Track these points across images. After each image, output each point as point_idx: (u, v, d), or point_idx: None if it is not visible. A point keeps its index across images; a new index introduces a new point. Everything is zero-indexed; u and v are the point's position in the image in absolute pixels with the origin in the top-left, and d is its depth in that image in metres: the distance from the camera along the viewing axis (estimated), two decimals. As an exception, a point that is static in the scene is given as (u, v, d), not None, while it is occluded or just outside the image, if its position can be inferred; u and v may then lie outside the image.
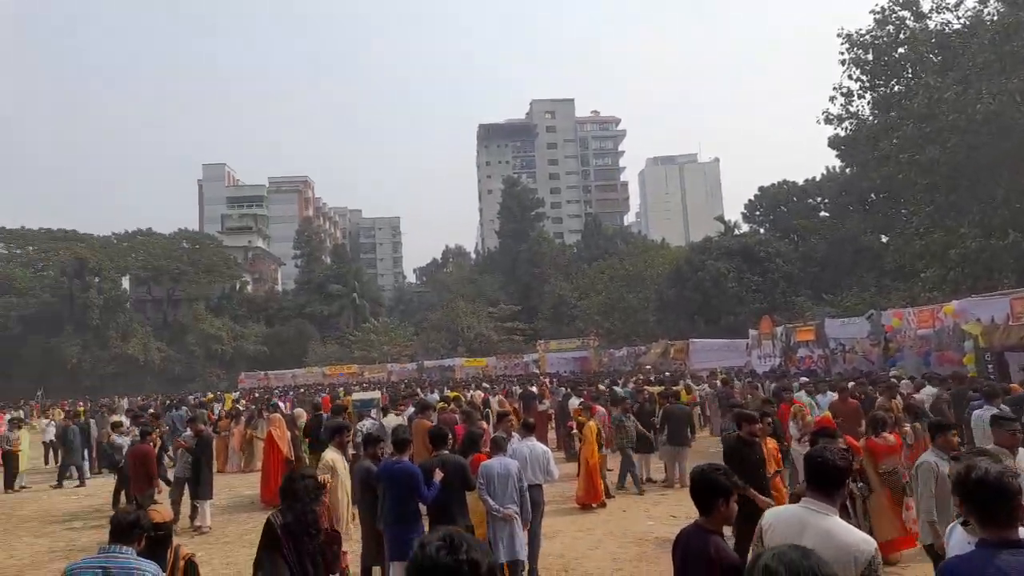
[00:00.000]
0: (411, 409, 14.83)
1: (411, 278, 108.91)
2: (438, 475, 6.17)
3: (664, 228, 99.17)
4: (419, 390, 22.95)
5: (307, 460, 12.49)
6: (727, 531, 3.66)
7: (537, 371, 41.48)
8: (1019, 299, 14.40)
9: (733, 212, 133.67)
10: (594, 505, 11.03)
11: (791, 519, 3.14)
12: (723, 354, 28.99)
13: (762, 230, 48.58)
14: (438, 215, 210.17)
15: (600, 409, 13.67)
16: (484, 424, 11.40)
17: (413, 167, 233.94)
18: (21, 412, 27.42)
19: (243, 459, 16.88)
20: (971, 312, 15.36)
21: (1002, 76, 22.40)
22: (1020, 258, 21.35)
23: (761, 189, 51.16)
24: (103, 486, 15.80)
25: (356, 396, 19.40)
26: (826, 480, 3.10)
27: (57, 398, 45.06)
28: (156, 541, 4.12)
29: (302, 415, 15.05)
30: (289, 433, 12.89)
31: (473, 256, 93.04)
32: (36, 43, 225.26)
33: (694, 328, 36.66)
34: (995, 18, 25.25)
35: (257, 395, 30.93)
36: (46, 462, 20.05)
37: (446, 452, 6.71)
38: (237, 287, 73.31)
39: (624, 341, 42.48)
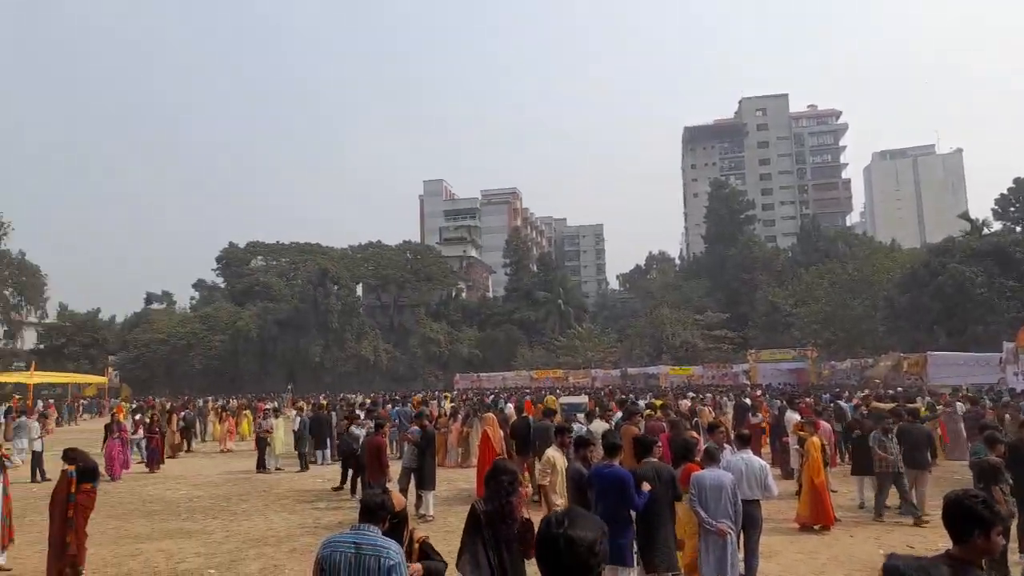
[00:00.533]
0: (619, 414, 14.94)
1: (614, 284, 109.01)
2: (645, 486, 6.17)
3: (894, 229, 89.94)
4: (626, 396, 22.92)
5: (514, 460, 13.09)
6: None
7: (747, 382, 39.51)
8: None
9: (980, 209, 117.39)
10: (816, 527, 10.31)
11: None
12: (969, 369, 25.53)
13: (1019, 228, 42.15)
14: (641, 221, 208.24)
15: (825, 424, 12.76)
16: (694, 434, 11.14)
17: (616, 174, 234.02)
18: (276, 403, 31.47)
19: (460, 455, 18.01)
20: None
21: None
22: None
23: (1017, 181, 44.40)
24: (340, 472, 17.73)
25: (564, 400, 19.87)
26: None
27: (303, 392, 51.19)
28: (393, 527, 4.47)
29: (513, 416, 15.77)
30: (502, 432, 13.57)
31: (678, 262, 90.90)
32: (283, 73, 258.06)
33: (932, 340, 32.72)
34: None
35: (467, 397, 32.72)
36: (296, 448, 22.90)
37: (654, 460, 6.68)
38: (453, 294, 78.29)
39: (847, 352, 39.02)
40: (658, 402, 18.92)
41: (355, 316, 67.79)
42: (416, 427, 12.76)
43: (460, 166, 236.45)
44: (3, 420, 22.02)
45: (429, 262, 76.49)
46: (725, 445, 9.03)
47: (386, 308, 76.40)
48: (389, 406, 23.44)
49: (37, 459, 17.21)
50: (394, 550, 3.98)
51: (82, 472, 8.83)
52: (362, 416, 17.48)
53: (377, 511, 4.11)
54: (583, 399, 20.41)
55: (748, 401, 19.30)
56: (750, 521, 7.25)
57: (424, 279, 74.15)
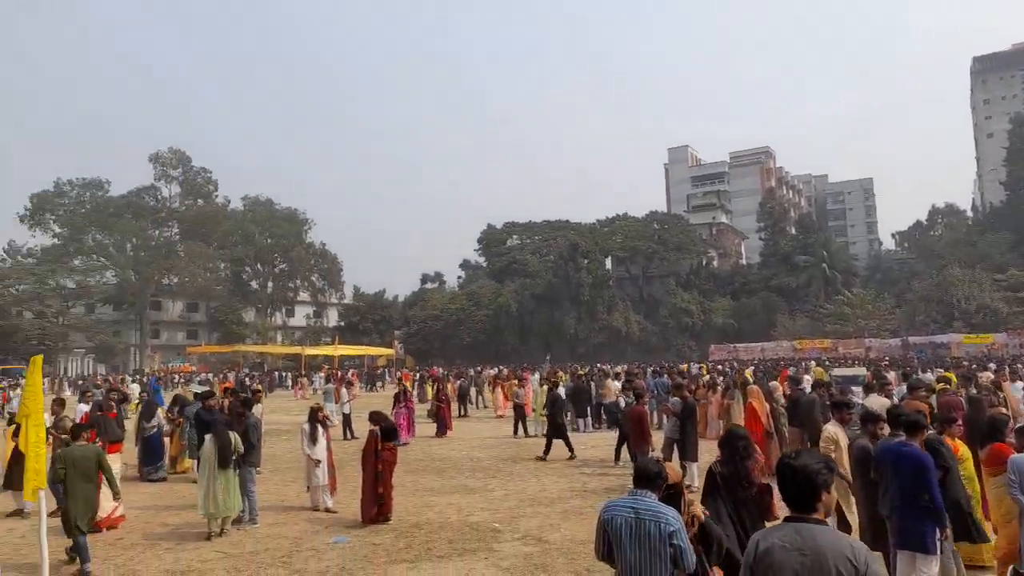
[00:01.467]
0: (902, 388, 13.51)
1: (889, 244, 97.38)
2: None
3: None
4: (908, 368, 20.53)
5: (785, 433, 12.45)
6: None
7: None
8: None
9: None
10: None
11: None
12: None
13: None
14: (921, 172, 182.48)
15: None
16: (1003, 410, 9.68)
17: (882, 120, 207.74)
18: (537, 374, 33.33)
19: (723, 427, 17.58)
20: None
21: None
22: None
23: None
24: (602, 439, 18.31)
25: (838, 372, 18.38)
26: None
27: (560, 363, 53.45)
28: (669, 496, 4.51)
29: (777, 388, 14.98)
30: (768, 406, 12.99)
31: (970, 214, 78.56)
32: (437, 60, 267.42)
33: None
34: None
35: (723, 367, 31.67)
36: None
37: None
38: (704, 263, 76.08)
39: None
40: (951, 374, 16.70)
41: (605, 288, 68.92)
42: (676, 398, 12.74)
43: (708, 135, 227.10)
44: (328, 385, 25.93)
45: (677, 231, 75.03)
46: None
47: (635, 279, 76.56)
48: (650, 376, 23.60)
49: (347, 420, 20.23)
50: (673, 516, 4.06)
51: (385, 432, 10.24)
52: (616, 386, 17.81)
53: (654, 478, 4.20)
54: (860, 371, 18.68)
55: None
56: None
57: (672, 249, 72.95)
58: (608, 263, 75.64)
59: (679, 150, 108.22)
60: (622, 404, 15.09)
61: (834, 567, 2.78)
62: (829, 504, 3.01)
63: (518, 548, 8.51)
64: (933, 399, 10.66)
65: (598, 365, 40.64)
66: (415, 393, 25.63)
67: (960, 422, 8.02)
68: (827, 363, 31.29)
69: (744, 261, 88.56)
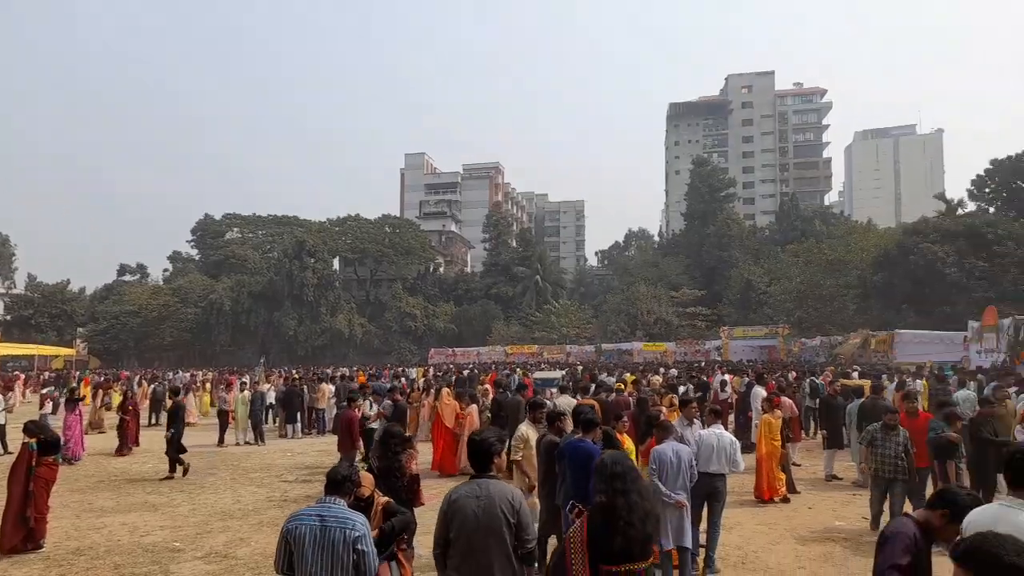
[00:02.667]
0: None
1: (593, 261, 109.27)
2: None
3: (871, 209, 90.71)
4: (595, 372, 23.05)
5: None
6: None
7: (719, 358, 40.01)
8: None
9: (957, 190, 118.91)
10: (776, 499, 10.52)
11: (986, 516, 3.20)
12: (934, 347, 26.02)
13: (992, 209, 42.78)
14: (623, 199, 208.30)
15: (787, 401, 12.94)
16: (664, 409, 11.23)
17: (599, 152, 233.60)
18: (247, 379, 31.22)
19: (431, 429, 18.03)
20: None
21: None
22: None
23: (994, 163, 44.88)
24: (311, 445, 17.70)
25: (538, 375, 19.92)
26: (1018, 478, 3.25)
27: (277, 366, 50.93)
28: (361, 509, 4.53)
29: (488, 392, 15.81)
30: (476, 407, 13.63)
31: (656, 239, 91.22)
32: (254, 46, 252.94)
33: (901, 319, 33.28)
34: None
35: (433, 371, 32.67)
36: (270, 422, 22.74)
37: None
38: (431, 268, 78.03)
39: (817, 330, 39.56)
40: (630, 377, 19.05)
41: (331, 289, 67.37)
42: (389, 401, 12.75)
43: (443, 141, 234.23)
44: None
45: (408, 236, 76.02)
46: (694, 420, 9.14)
47: (363, 282, 75.99)
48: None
49: (1, 432, 16.89)
50: (360, 522, 4.03)
51: (44, 445, 8.72)
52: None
53: (343, 483, 4.18)
54: (557, 374, 20.49)
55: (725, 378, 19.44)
56: (715, 494, 7.41)
57: (402, 253, 73.75)
58: (336, 263, 74.04)
59: (416, 156, 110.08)
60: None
61: (499, 506, 3.90)
62: (500, 466, 4.17)
63: (199, 567, 7.77)
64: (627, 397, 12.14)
65: (313, 369, 39.30)
66: (100, 399, 22.33)
67: (626, 419, 9.08)
68: (532, 368, 33.89)
69: (469, 269, 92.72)
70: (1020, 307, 28.06)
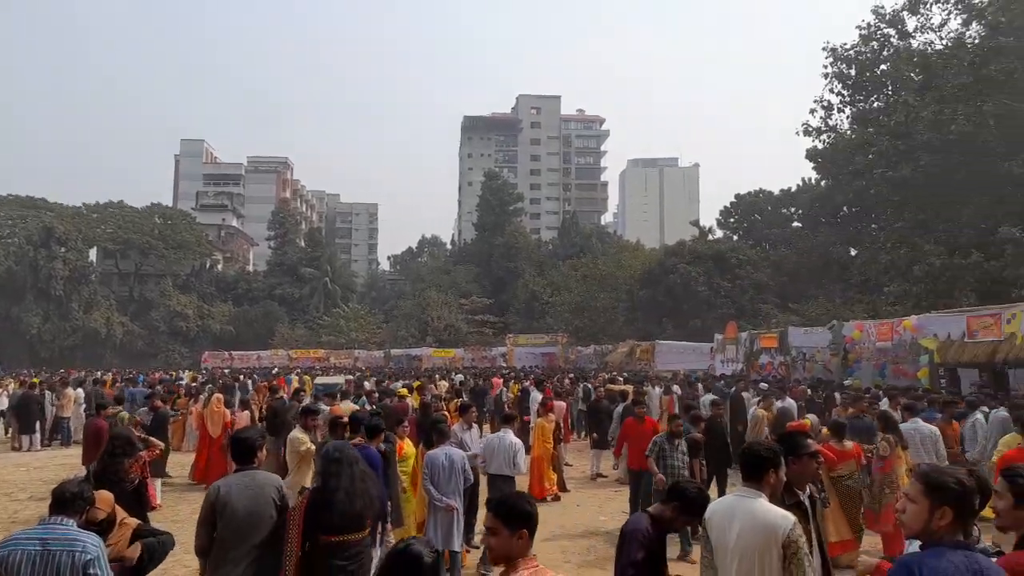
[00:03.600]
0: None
1: (385, 266, 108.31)
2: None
3: (640, 230, 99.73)
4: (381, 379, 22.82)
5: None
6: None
7: (504, 364, 41.54)
8: (976, 317, 14.73)
9: (709, 218, 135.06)
10: (548, 498, 11.12)
11: (725, 506, 3.57)
12: (687, 357, 29.26)
13: (735, 237, 49.03)
14: (418, 206, 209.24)
15: (560, 404, 13.77)
16: (446, 413, 11.39)
17: (395, 155, 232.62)
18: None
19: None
20: (928, 328, 15.68)
21: (978, 99, 22.83)
22: (981, 278, 21.81)
23: (737, 196, 51.63)
24: (53, 458, 15.55)
25: (320, 380, 19.24)
26: (754, 469, 3.55)
27: (14, 368, 44.15)
28: (99, 532, 3.99)
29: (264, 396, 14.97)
30: (248, 413, 12.83)
31: (449, 247, 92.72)
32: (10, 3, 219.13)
33: (662, 330, 36.91)
34: (976, 41, 25.74)
35: (198, 377, 30.39)
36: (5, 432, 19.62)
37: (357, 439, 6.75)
38: (208, 265, 72.27)
39: (592, 340, 42.69)
40: (416, 383, 19.12)
41: (85, 283, 59.81)
42: (145, 409, 11.56)
43: (226, 129, 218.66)
44: None
45: (181, 228, 69.61)
46: (473, 424, 9.40)
47: (125, 276, 68.43)
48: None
49: None
50: (92, 543, 3.58)
51: None
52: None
53: (72, 501, 3.70)
54: (339, 380, 19.94)
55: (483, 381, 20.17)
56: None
57: (174, 246, 67.41)
58: (93, 255, 65.86)
59: (194, 143, 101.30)
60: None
61: (268, 494, 4.42)
62: (262, 459, 4.77)
63: None
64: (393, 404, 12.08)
65: (59, 373, 34.69)
66: None
67: (407, 424, 9.07)
68: (319, 372, 32.79)
69: (251, 268, 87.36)
70: (755, 322, 32.45)
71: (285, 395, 16.17)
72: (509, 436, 8.26)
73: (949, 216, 24.63)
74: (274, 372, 35.41)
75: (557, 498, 11.22)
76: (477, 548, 7.78)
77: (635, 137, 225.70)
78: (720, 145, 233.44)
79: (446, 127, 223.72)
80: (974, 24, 26.54)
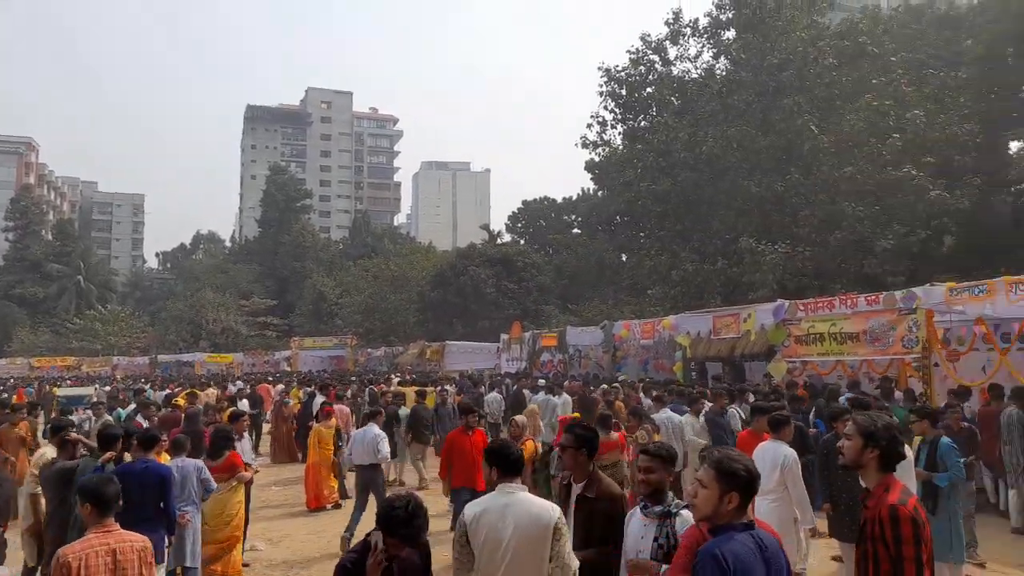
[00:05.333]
0: (132, 407, 13.35)
1: (153, 263, 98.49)
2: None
3: (433, 232, 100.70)
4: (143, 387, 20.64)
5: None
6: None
7: (288, 368, 39.70)
8: (720, 317, 16.69)
9: (498, 222, 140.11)
10: (328, 507, 10.73)
11: (496, 505, 3.60)
12: (475, 356, 29.99)
13: (522, 241, 51.25)
14: (193, 197, 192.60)
15: (344, 409, 13.38)
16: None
17: (167, 142, 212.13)
18: None
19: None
20: (683, 326, 17.50)
21: (724, 124, 25.92)
22: (726, 283, 24.80)
23: (524, 203, 54.16)
24: None
25: (63, 392, 16.84)
26: (512, 467, 3.71)
27: None
28: None
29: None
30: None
31: (228, 244, 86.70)
32: None
33: (452, 331, 37.48)
34: (723, 74, 29.26)
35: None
36: None
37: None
38: (-80, 258, 60.80)
39: (382, 341, 42.20)
40: (183, 394, 17.47)
41: None
42: None
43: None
44: None
45: None
46: (244, 434, 8.91)
47: None
48: None
49: None
50: None
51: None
52: None
53: None
54: (88, 390, 17.65)
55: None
56: (371, 483, 8.84)
57: None
58: None
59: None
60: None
61: None
62: None
63: None
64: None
65: None
66: None
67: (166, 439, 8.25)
68: (67, 382, 28.94)
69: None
70: (538, 323, 34.09)
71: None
72: (373, 429, 9.12)
73: (701, 227, 27.71)
74: (10, 383, 30.70)
75: (338, 506, 10.85)
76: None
77: (429, 139, 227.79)
78: (512, 152, 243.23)
79: (227, 115, 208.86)
80: (722, 58, 30.17)
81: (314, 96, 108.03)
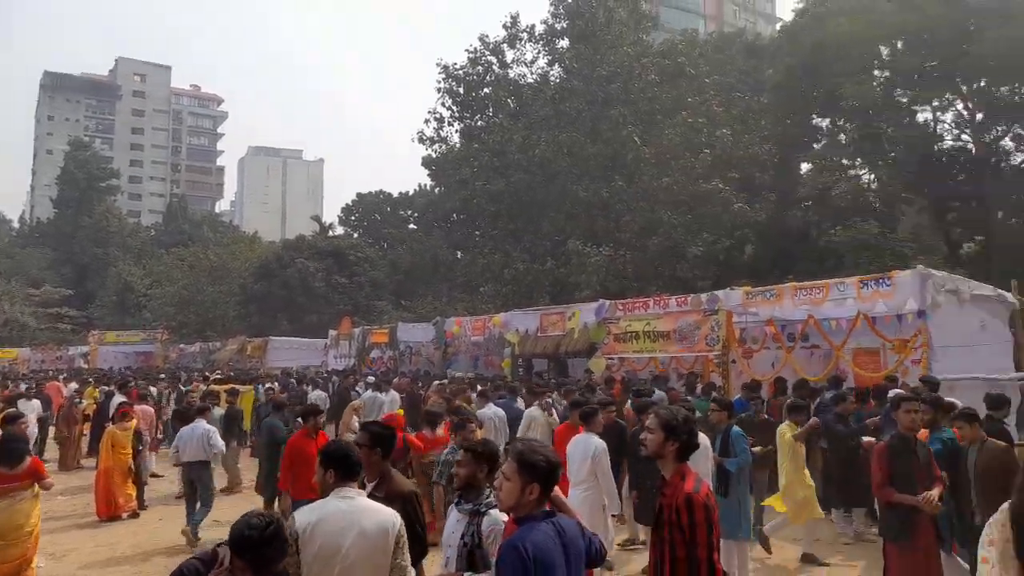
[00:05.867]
0: None
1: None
2: None
3: (260, 221, 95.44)
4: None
5: None
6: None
7: (85, 365, 35.86)
8: (547, 315, 17.25)
9: (332, 215, 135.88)
10: (124, 515, 9.75)
11: (331, 509, 3.36)
12: (301, 353, 28.78)
13: (356, 235, 49.99)
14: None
15: (147, 410, 12.26)
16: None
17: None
18: None
19: None
20: (512, 323, 17.89)
21: (556, 130, 26.84)
22: (554, 282, 25.73)
23: (359, 195, 52.83)
24: None
25: None
26: (351, 470, 3.53)
27: None
28: None
29: None
30: None
31: (16, 225, 76.87)
32: None
33: (276, 325, 35.74)
34: (557, 81, 30.28)
35: None
36: None
37: None
38: None
39: (198, 336, 39.30)
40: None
41: None
42: None
43: None
44: None
45: None
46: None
47: None
48: None
49: None
50: None
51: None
52: None
53: None
54: None
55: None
56: (199, 480, 8.69)
57: None
58: None
59: None
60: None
61: None
62: None
63: None
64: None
65: None
66: None
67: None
68: None
69: None
70: (370, 318, 33.40)
71: None
72: (203, 424, 8.94)
73: (533, 228, 28.53)
74: None
75: (135, 515, 9.89)
76: None
77: (259, 125, 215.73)
78: (348, 145, 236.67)
79: (19, 79, 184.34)
80: (556, 66, 31.24)
81: (126, 67, 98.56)
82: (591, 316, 15.33)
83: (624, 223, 24.82)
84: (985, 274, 16.36)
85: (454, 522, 3.70)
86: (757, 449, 7.39)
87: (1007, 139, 24.68)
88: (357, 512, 3.35)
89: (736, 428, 6.64)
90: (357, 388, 15.26)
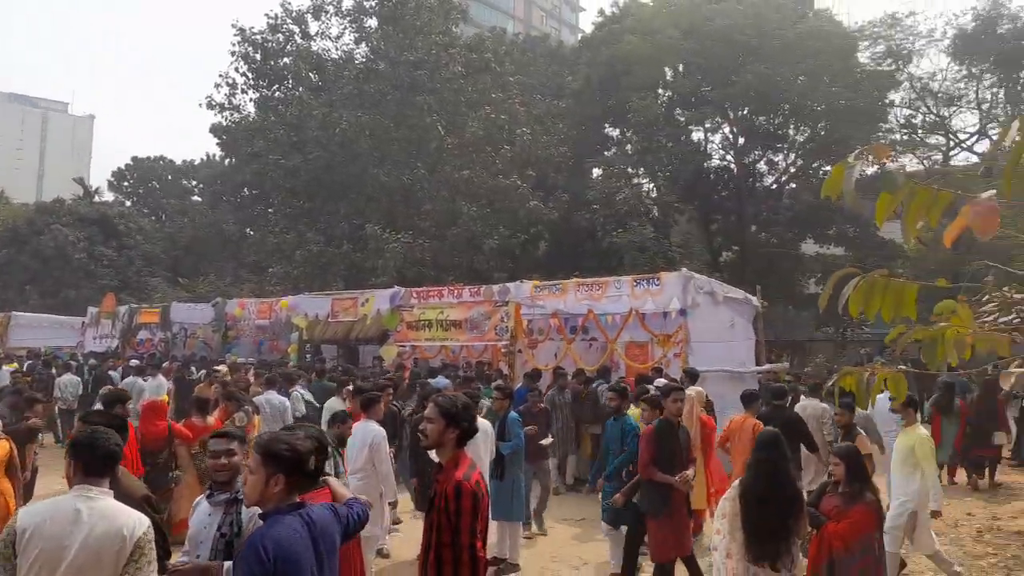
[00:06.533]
0: None
1: None
2: None
3: (10, 179, 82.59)
4: None
5: None
6: None
7: None
8: (339, 300, 16.73)
9: (101, 179, 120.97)
10: None
11: (62, 509, 2.94)
12: (52, 332, 25.29)
13: (128, 203, 45.04)
14: None
15: None
16: None
17: None
18: None
19: None
20: (301, 307, 17.13)
21: (359, 110, 26.05)
22: (350, 267, 25.00)
23: (135, 159, 47.61)
24: None
25: None
26: (100, 464, 3.08)
27: None
28: None
29: None
30: None
31: None
32: None
33: (23, 300, 31.15)
34: (363, 61, 29.41)
35: None
36: None
37: None
38: None
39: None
40: None
41: None
42: None
43: None
44: None
45: None
46: None
47: None
48: None
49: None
50: None
51: None
52: None
53: None
54: None
55: None
56: None
57: None
58: None
59: None
60: None
61: None
62: None
63: None
64: None
65: None
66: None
67: None
68: None
69: None
70: (140, 296, 30.27)
71: None
72: None
73: (330, 209, 27.54)
74: None
75: None
76: None
77: (15, 69, 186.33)
78: (127, 100, 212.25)
79: None
80: (363, 45, 30.35)
81: None
82: (385, 303, 15.12)
83: (425, 211, 24.82)
84: (739, 280, 18.54)
85: (204, 515, 3.43)
86: (546, 441, 7.81)
87: (762, 163, 28.38)
88: (93, 513, 2.93)
89: (513, 414, 6.86)
90: (115, 371, 13.73)
